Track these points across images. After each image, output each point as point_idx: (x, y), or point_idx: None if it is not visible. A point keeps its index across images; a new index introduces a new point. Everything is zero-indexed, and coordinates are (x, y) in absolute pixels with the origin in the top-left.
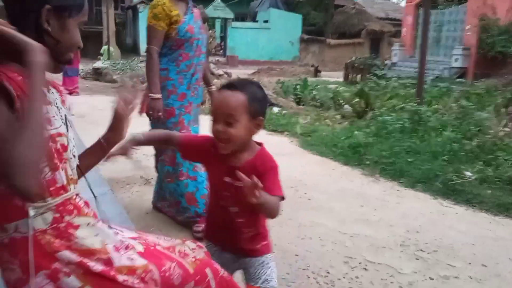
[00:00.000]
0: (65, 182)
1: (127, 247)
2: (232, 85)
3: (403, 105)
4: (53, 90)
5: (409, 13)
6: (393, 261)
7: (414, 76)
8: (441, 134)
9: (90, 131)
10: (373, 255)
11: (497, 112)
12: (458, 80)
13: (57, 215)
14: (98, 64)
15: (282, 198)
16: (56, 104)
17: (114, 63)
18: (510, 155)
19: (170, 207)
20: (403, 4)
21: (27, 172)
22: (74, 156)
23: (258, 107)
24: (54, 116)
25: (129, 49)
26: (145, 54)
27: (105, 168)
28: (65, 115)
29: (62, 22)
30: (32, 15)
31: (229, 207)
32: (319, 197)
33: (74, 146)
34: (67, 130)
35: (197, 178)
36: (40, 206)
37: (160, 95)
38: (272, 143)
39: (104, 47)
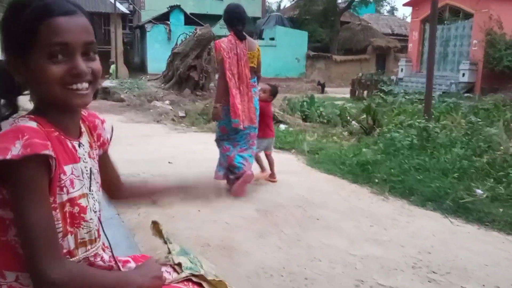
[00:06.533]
0: (72, 247)
1: None
2: None
3: (411, 121)
4: (84, 138)
5: (414, 28)
6: (405, 283)
7: (421, 91)
8: (451, 151)
9: None
10: (384, 278)
11: (506, 128)
12: (465, 95)
13: None
14: (106, 83)
15: None
16: (84, 159)
17: (122, 82)
18: None
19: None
20: (409, 19)
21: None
22: (95, 211)
23: None
24: (79, 176)
25: (136, 68)
26: (152, 73)
27: None
28: (90, 168)
29: None
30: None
31: None
32: (328, 216)
33: (96, 200)
34: (90, 185)
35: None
36: None
37: None
38: (279, 160)
39: (113, 66)
